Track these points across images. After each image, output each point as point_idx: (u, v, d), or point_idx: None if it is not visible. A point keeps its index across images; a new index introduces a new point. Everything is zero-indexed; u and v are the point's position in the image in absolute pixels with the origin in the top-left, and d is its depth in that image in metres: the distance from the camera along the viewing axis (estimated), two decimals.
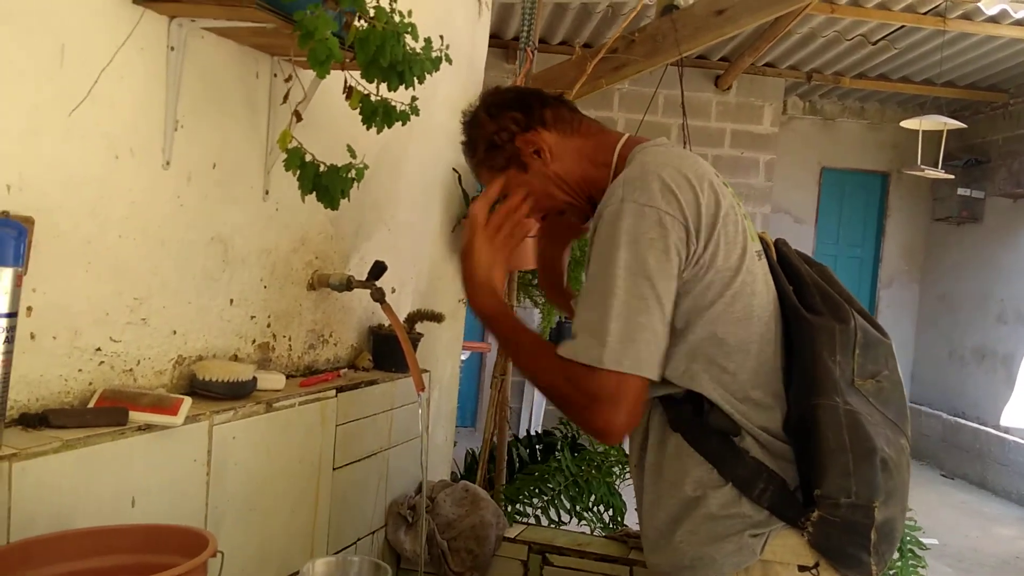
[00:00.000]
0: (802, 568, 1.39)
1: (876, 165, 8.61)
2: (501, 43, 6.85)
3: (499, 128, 1.58)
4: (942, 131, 6.50)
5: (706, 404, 1.43)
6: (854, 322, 1.48)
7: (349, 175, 1.67)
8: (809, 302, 1.50)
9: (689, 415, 1.45)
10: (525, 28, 2.81)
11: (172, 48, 1.56)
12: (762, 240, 1.59)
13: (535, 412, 6.99)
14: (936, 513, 6.23)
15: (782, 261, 1.59)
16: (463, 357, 4.99)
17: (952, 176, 6.96)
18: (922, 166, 6.45)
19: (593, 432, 1.41)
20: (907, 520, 3.09)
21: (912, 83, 7.67)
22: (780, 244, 1.63)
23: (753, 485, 1.40)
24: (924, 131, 6.57)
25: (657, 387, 1.43)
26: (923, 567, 2.67)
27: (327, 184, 1.62)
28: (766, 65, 7.48)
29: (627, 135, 1.58)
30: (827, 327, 1.45)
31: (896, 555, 2.62)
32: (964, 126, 6.59)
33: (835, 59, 7.20)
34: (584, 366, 1.34)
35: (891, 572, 2.59)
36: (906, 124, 6.53)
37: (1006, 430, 7.17)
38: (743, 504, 1.41)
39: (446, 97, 2.55)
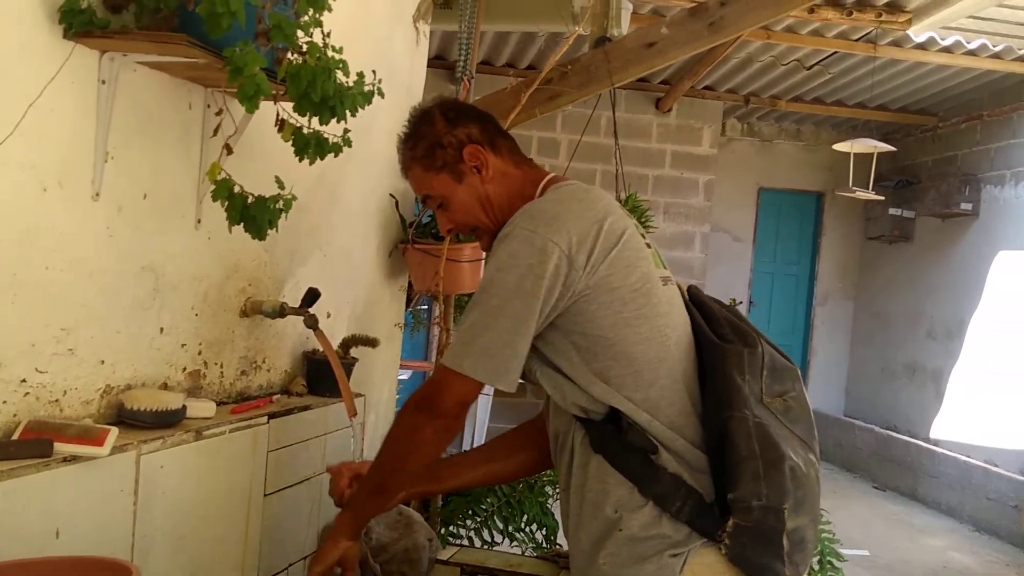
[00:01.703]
0: None
1: (812, 185, 8.84)
2: (447, 64, 6.89)
3: (451, 133, 1.63)
4: (873, 154, 6.70)
5: (624, 422, 1.49)
6: (761, 347, 1.58)
7: (277, 206, 1.69)
8: (720, 332, 1.59)
9: (610, 434, 1.51)
10: (462, 58, 2.86)
11: (103, 82, 1.57)
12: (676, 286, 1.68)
13: (478, 429, 7.02)
14: (868, 525, 6.39)
15: (695, 300, 1.69)
16: (404, 376, 5.01)
17: (882, 197, 7.18)
18: (853, 188, 6.65)
19: (427, 408, 1.53)
20: (826, 532, 3.20)
21: (846, 106, 7.90)
22: (692, 289, 1.74)
23: (671, 500, 1.47)
24: (855, 153, 6.78)
25: (576, 408, 1.51)
26: None
27: (254, 215, 1.65)
28: (705, 88, 7.65)
29: (552, 175, 1.66)
30: (736, 351, 1.54)
31: (816, 566, 2.71)
32: (894, 149, 6.81)
33: (772, 83, 7.39)
34: (447, 369, 1.49)
35: None
36: (838, 147, 6.73)
37: (936, 443, 7.38)
38: (663, 524, 1.47)
39: (384, 124, 2.58)
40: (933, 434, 7.53)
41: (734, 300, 8.03)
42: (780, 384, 1.58)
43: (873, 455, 7.98)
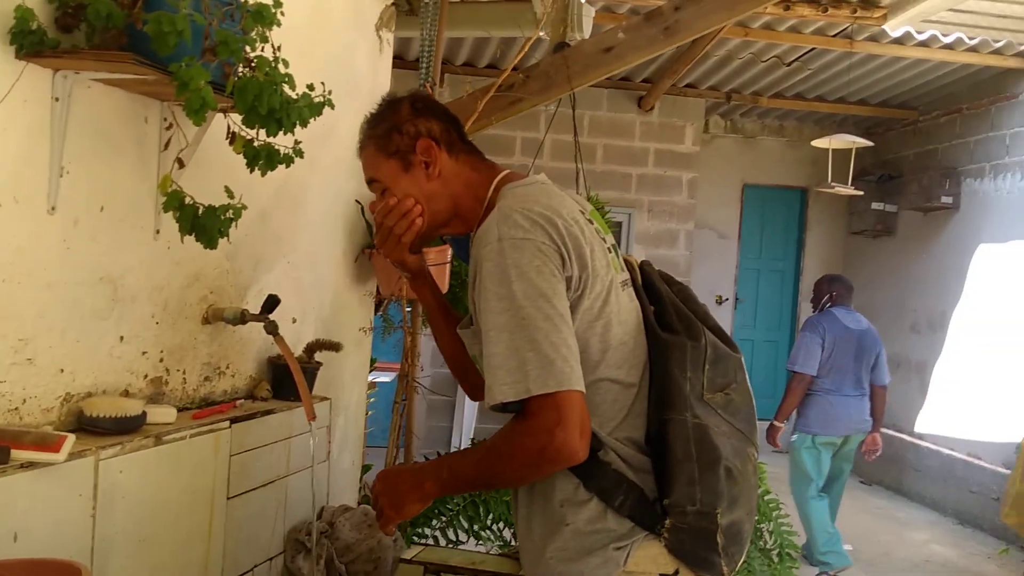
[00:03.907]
0: None
1: (795, 181, 8.89)
2: (406, 64, 6.85)
3: (412, 123, 1.64)
4: (851, 149, 6.76)
5: None
6: (705, 339, 1.61)
7: (227, 215, 1.74)
8: (666, 320, 1.63)
9: None
10: (424, 65, 2.91)
11: (56, 99, 1.62)
12: (627, 263, 1.70)
13: (465, 429, 7.06)
14: (852, 519, 6.44)
15: (645, 282, 1.71)
16: (387, 379, 5.06)
17: (861, 192, 7.22)
18: (832, 183, 6.70)
19: (558, 460, 1.43)
20: (784, 525, 3.26)
21: (827, 102, 7.95)
22: (644, 266, 1.75)
23: (614, 496, 1.51)
24: (835, 149, 6.83)
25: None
26: (796, 568, 2.82)
27: (205, 224, 1.70)
28: (687, 86, 7.70)
29: (505, 172, 1.67)
30: (680, 344, 1.58)
31: (776, 559, 2.77)
32: (871, 144, 6.86)
33: (752, 79, 7.45)
34: (517, 408, 1.41)
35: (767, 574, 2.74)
36: (816, 143, 6.78)
37: (920, 436, 7.44)
38: (608, 518, 1.51)
39: (346, 130, 2.63)
40: (917, 427, 7.58)
41: (720, 297, 8.03)
42: (723, 376, 1.62)
43: (859, 449, 8.02)
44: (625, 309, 1.58)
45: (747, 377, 1.69)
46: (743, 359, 1.69)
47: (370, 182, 1.71)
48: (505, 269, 1.43)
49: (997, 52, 6.43)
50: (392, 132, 1.65)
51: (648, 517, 1.51)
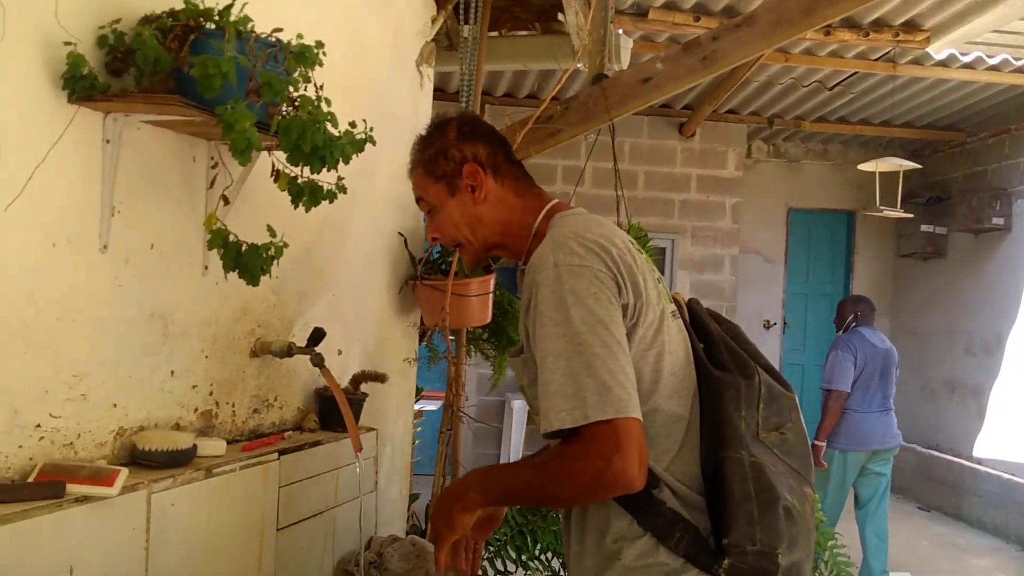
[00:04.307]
0: None
1: (842, 204, 8.79)
2: (447, 96, 6.90)
3: (458, 147, 1.66)
4: (899, 172, 6.68)
5: None
6: (759, 377, 1.59)
7: (268, 253, 1.78)
8: (718, 359, 1.60)
9: None
10: (464, 98, 2.95)
11: (108, 141, 1.67)
12: (675, 301, 1.70)
13: (513, 456, 7.05)
14: (912, 546, 6.30)
15: (694, 320, 1.69)
16: (433, 407, 5.07)
17: (910, 215, 7.13)
18: (880, 207, 6.62)
19: (615, 488, 1.40)
20: (840, 555, 3.19)
21: (871, 125, 7.88)
22: (692, 303, 1.74)
23: (670, 534, 1.49)
24: (882, 172, 6.76)
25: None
26: None
27: (247, 262, 1.74)
28: (728, 112, 7.68)
29: (554, 202, 1.68)
30: (733, 383, 1.55)
31: None
32: (918, 166, 6.77)
33: (794, 104, 7.40)
34: (574, 433, 1.39)
35: None
36: (863, 167, 6.71)
37: (979, 461, 7.26)
38: (660, 553, 1.49)
39: (387, 165, 2.67)
40: (976, 452, 7.40)
41: (768, 321, 7.98)
42: (777, 416, 1.59)
43: (916, 475, 7.86)
44: (675, 340, 1.56)
45: (801, 416, 1.66)
46: (797, 398, 1.66)
47: (418, 200, 1.73)
48: (562, 295, 1.42)
49: None
50: (439, 156, 1.67)
51: (703, 556, 1.48)
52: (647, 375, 1.50)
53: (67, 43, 1.53)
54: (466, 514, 1.57)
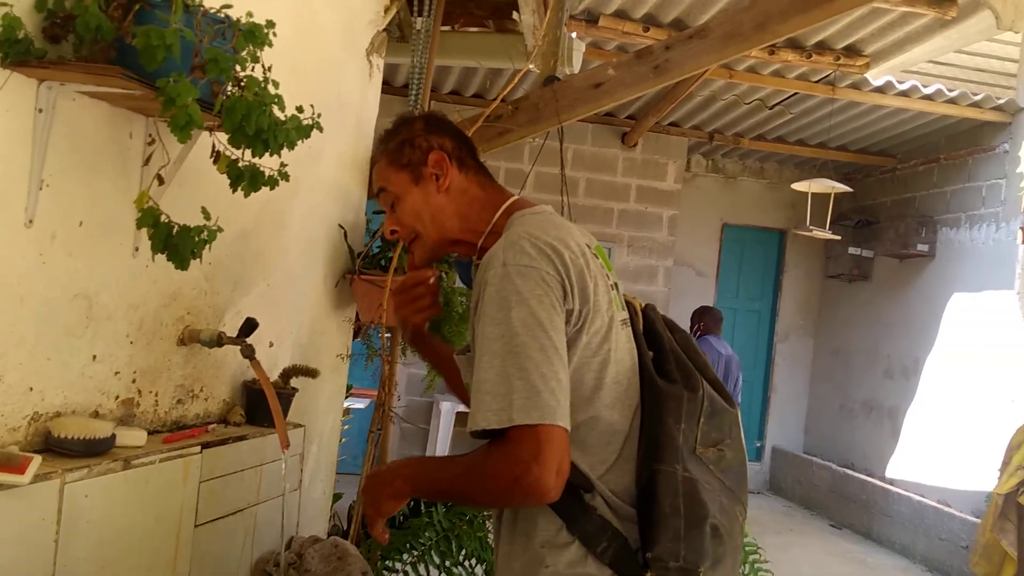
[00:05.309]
0: None
1: (774, 223, 8.96)
2: (393, 89, 6.84)
3: (424, 137, 1.65)
4: (831, 193, 6.82)
5: None
6: (703, 391, 1.58)
7: (201, 236, 1.70)
8: (665, 369, 1.59)
9: None
10: (414, 92, 2.90)
11: (40, 110, 1.58)
12: (630, 305, 1.67)
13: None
14: (822, 564, 6.43)
15: (648, 328, 1.67)
16: (361, 406, 4.99)
17: (839, 237, 7.29)
18: (811, 227, 6.75)
19: (529, 495, 1.37)
20: (763, 572, 3.23)
21: (807, 146, 8.04)
22: (648, 311, 1.72)
23: (597, 541, 1.47)
24: (813, 193, 6.89)
25: None
26: None
27: (177, 244, 1.66)
28: (670, 124, 7.76)
29: (514, 198, 1.66)
30: (677, 394, 1.54)
31: None
32: (850, 189, 6.93)
33: (735, 121, 7.51)
34: (499, 434, 1.36)
35: None
36: (796, 187, 6.84)
37: (891, 481, 7.45)
38: (588, 563, 1.47)
39: (332, 153, 2.61)
40: (889, 473, 7.60)
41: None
42: (718, 431, 1.58)
43: (830, 492, 8.03)
44: (622, 349, 1.54)
45: (742, 434, 1.66)
46: (739, 415, 1.66)
47: (379, 192, 1.70)
48: (506, 295, 1.40)
49: (975, 105, 6.54)
50: (404, 145, 1.66)
51: (629, 567, 1.47)
52: (589, 382, 1.48)
53: (2, 3, 1.44)
54: (394, 500, 1.58)
